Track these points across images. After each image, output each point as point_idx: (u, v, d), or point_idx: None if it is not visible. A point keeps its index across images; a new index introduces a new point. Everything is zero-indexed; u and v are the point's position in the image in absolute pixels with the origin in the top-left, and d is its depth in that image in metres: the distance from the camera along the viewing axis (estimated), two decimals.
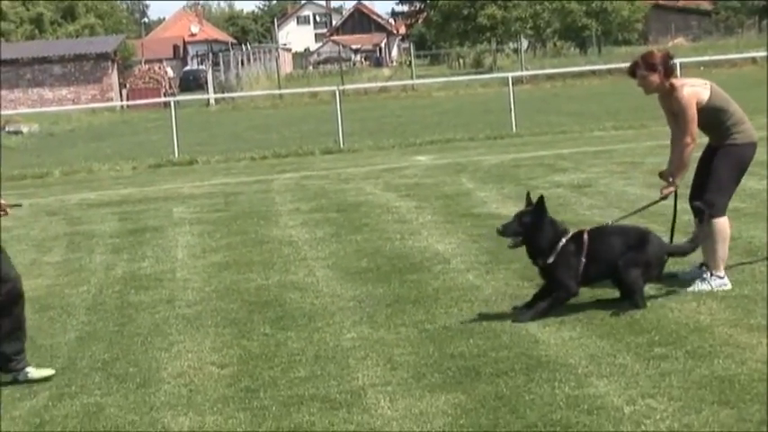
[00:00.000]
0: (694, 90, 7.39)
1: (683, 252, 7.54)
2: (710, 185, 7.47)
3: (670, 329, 6.50)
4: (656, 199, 7.80)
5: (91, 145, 27.17)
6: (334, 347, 6.69)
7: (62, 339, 7.46)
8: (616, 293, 7.20)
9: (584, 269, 7.05)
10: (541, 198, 7.14)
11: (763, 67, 39.55)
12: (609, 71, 39.21)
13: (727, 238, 7.50)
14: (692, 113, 7.30)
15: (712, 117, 7.39)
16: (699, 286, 7.39)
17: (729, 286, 7.39)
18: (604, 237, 7.19)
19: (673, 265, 7.70)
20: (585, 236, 7.12)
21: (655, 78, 7.38)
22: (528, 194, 7.32)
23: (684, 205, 7.91)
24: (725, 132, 7.45)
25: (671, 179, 7.53)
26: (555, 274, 7.05)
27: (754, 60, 41.28)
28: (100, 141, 28.42)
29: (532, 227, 7.06)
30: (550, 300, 7.02)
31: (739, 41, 58.40)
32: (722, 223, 7.45)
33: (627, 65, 7.92)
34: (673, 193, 7.62)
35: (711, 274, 7.43)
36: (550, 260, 7.03)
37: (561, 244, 7.03)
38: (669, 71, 7.41)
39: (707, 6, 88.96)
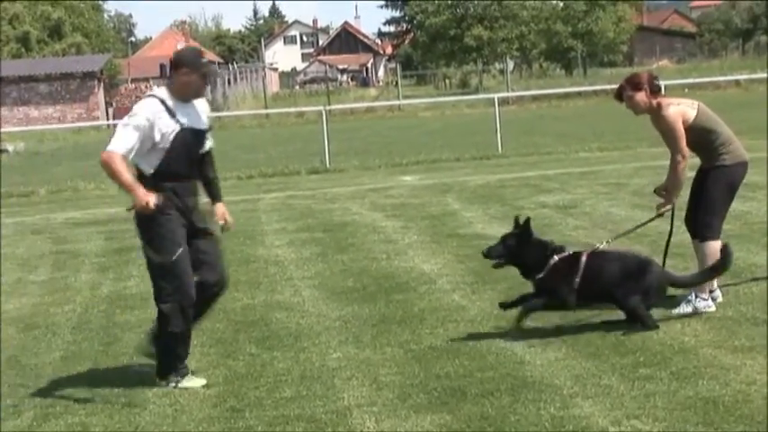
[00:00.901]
0: (680, 109, 7.44)
1: (684, 283, 7.49)
2: (703, 208, 7.51)
3: (655, 351, 6.53)
4: (653, 216, 7.84)
5: (77, 164, 27.13)
6: (320, 367, 6.69)
7: (47, 359, 7.43)
8: (619, 315, 7.20)
9: (580, 289, 7.08)
10: (527, 220, 7.23)
11: (747, 90, 39.89)
12: (594, 92, 39.41)
13: None
14: (680, 130, 7.34)
15: (700, 137, 7.43)
16: (684, 308, 7.40)
17: (714, 308, 7.42)
18: (603, 261, 7.20)
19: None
20: (584, 257, 7.16)
21: (642, 97, 7.42)
22: (516, 218, 7.36)
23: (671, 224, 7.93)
24: (714, 153, 7.48)
25: (664, 194, 7.56)
26: (549, 287, 7.11)
27: (737, 83, 41.61)
28: (86, 160, 28.31)
29: (518, 248, 7.16)
30: (544, 299, 7.12)
31: (723, 64, 58.89)
32: (715, 247, 7.45)
33: (612, 86, 7.98)
34: (669, 212, 7.66)
35: (697, 296, 7.46)
36: (540, 275, 7.11)
37: (553, 261, 7.11)
38: (655, 89, 7.46)
39: (691, 29, 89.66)
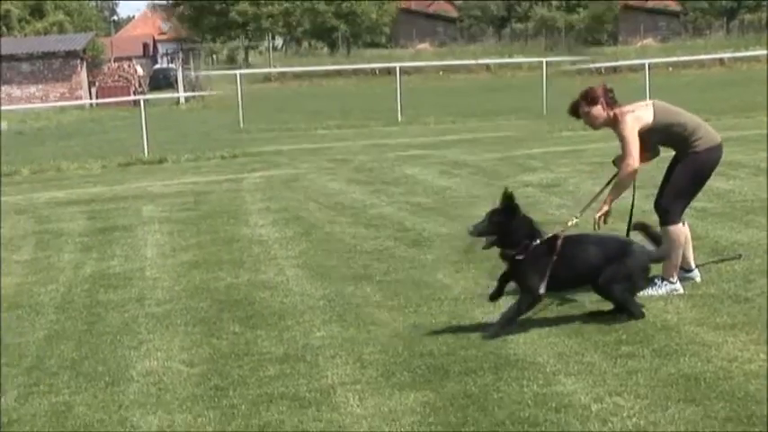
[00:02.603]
0: (636, 115, 7.33)
1: (660, 257, 7.18)
2: (668, 192, 7.48)
3: (637, 328, 6.55)
4: (594, 220, 7.41)
5: (60, 143, 26.97)
6: (304, 346, 6.70)
7: (30, 338, 7.42)
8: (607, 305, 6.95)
9: (555, 274, 6.67)
10: (510, 195, 6.76)
11: (731, 69, 39.99)
12: (577, 71, 39.38)
13: (681, 245, 7.44)
14: (635, 139, 7.26)
15: (667, 134, 7.37)
16: (649, 292, 7.31)
17: (681, 291, 7.37)
18: (580, 245, 6.83)
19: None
20: (559, 241, 6.75)
21: (599, 111, 7.32)
22: (504, 192, 6.83)
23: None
24: (684, 143, 7.39)
25: (605, 203, 7.34)
26: (522, 274, 6.73)
27: (721, 61, 41.73)
28: (69, 140, 28.19)
29: (504, 224, 6.70)
30: (515, 307, 6.71)
31: (707, 42, 58.94)
32: (677, 230, 7.42)
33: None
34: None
35: (663, 280, 7.41)
36: (520, 257, 6.68)
37: (534, 244, 6.68)
38: (611, 102, 7.33)
39: (675, 7, 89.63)
